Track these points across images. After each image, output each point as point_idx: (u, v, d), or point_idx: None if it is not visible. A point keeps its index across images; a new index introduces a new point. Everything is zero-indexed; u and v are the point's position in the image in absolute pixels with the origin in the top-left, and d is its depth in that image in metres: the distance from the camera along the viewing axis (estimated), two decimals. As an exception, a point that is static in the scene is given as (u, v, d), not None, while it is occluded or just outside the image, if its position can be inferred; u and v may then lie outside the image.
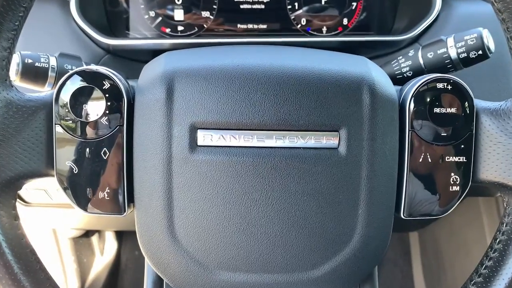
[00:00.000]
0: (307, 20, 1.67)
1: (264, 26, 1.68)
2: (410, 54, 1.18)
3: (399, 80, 1.21)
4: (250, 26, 1.68)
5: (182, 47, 1.50)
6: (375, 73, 0.85)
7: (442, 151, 0.83)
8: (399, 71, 1.19)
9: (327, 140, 0.81)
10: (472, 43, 1.08)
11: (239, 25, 1.67)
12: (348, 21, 1.69)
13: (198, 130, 0.80)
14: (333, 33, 1.69)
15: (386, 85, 0.85)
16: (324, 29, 1.69)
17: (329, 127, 0.80)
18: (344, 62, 0.97)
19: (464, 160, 0.83)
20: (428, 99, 0.84)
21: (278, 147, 0.80)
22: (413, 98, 0.84)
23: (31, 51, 1.19)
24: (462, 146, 0.84)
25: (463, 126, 0.84)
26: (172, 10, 1.66)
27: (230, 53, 1.00)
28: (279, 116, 0.80)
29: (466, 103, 0.84)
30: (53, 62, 1.09)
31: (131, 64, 1.46)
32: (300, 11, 1.68)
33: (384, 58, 1.47)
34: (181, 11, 1.67)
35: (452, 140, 0.84)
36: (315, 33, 1.68)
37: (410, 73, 1.16)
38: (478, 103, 0.87)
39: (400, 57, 1.22)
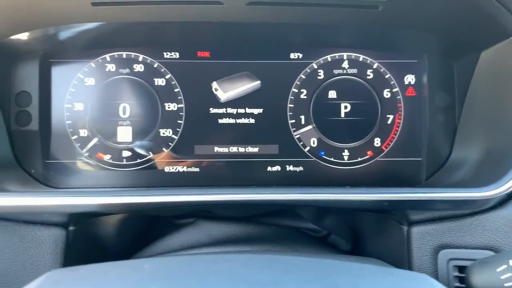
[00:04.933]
0: (318, 141, 1.13)
1: (255, 150, 1.17)
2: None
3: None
4: (233, 149, 1.17)
5: (119, 209, 0.95)
6: None
7: None
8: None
9: None
10: None
11: (216, 148, 1.16)
12: (382, 142, 1.14)
13: None
14: (359, 159, 1.18)
15: None
16: (346, 153, 1.19)
17: None
18: None
19: None
20: None
21: None
22: None
23: None
24: None
25: None
26: (115, 127, 1.15)
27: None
28: None
29: None
30: None
31: (26, 231, 0.85)
32: (309, 127, 1.14)
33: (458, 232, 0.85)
34: (129, 129, 1.17)
35: None
36: (332, 159, 1.17)
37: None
38: None
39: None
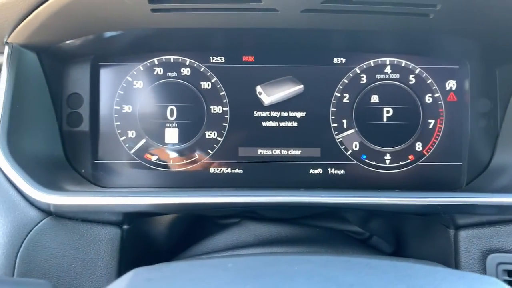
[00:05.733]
0: (360, 145, 1.15)
1: (297, 152, 1.19)
2: None
3: None
4: (276, 151, 1.19)
5: (170, 209, 0.96)
6: None
7: None
8: None
9: None
10: None
11: (260, 150, 1.19)
12: (423, 147, 1.14)
13: None
14: (400, 163, 1.19)
15: None
16: (388, 157, 1.21)
17: None
18: None
19: None
20: None
21: None
22: None
23: None
24: None
25: None
26: (163, 129, 1.15)
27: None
28: None
29: None
30: None
31: (84, 229, 0.89)
32: (351, 131, 1.15)
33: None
34: (176, 131, 1.20)
35: None
36: (373, 163, 1.19)
37: None
38: None
39: None
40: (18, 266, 0.82)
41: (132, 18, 0.93)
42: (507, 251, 0.86)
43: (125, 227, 0.93)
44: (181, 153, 1.11)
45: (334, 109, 1.13)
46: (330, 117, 1.13)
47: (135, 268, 0.59)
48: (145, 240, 1.03)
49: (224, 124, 1.12)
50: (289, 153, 1.12)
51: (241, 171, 1.12)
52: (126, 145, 1.11)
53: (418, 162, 1.12)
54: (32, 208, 0.87)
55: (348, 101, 1.13)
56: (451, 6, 0.87)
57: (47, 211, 0.88)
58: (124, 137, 1.11)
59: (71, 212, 0.88)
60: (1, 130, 0.90)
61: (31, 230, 0.85)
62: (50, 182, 0.90)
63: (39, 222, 0.86)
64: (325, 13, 0.90)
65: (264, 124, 1.12)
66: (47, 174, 0.94)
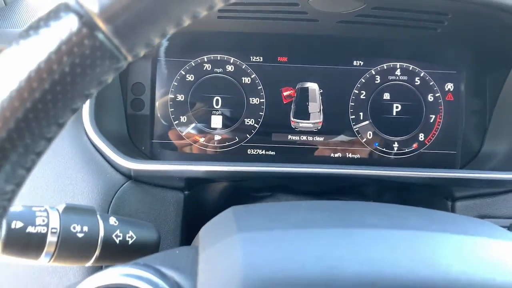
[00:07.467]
0: (374, 134, 1.39)
1: (321, 139, 1.40)
2: None
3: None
4: (303, 137, 1.40)
5: (218, 176, 1.15)
6: None
7: None
8: None
9: None
10: None
11: (290, 136, 1.39)
12: (425, 137, 1.42)
13: None
14: (406, 150, 1.41)
15: None
16: (396, 145, 1.42)
17: None
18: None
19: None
20: None
21: None
22: None
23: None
24: None
25: None
26: (209, 116, 1.39)
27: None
28: None
29: None
30: (54, 222, 0.69)
31: (156, 192, 1.10)
32: (366, 122, 1.42)
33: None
34: (220, 118, 1.40)
35: None
36: (384, 149, 1.40)
37: None
38: None
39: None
40: (110, 218, 1.01)
41: (198, 22, 1.12)
42: (493, 217, 1.08)
43: (186, 192, 1.13)
44: (224, 136, 1.31)
45: (353, 104, 1.33)
46: (349, 110, 1.33)
47: (198, 223, 0.77)
48: (198, 205, 1.23)
49: (260, 113, 1.32)
50: (314, 139, 1.33)
51: (273, 153, 1.32)
52: (179, 128, 1.30)
53: (421, 150, 1.34)
54: (117, 173, 1.06)
55: (364, 97, 1.34)
56: (456, 23, 1.09)
57: (127, 176, 1.07)
58: (177, 121, 1.30)
59: (147, 177, 1.08)
60: (89, 111, 1.08)
61: (117, 191, 1.04)
62: (127, 153, 1.09)
63: (123, 184, 1.05)
64: (355, 24, 1.11)
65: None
66: (123, 147, 1.13)
